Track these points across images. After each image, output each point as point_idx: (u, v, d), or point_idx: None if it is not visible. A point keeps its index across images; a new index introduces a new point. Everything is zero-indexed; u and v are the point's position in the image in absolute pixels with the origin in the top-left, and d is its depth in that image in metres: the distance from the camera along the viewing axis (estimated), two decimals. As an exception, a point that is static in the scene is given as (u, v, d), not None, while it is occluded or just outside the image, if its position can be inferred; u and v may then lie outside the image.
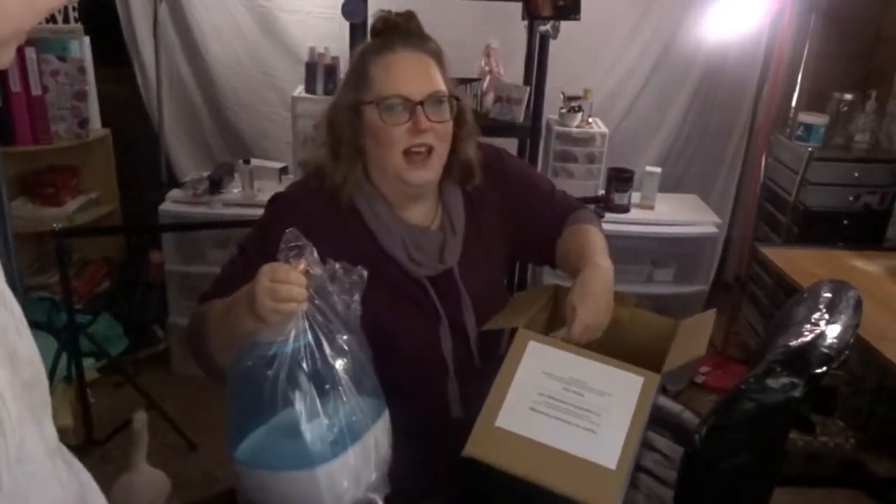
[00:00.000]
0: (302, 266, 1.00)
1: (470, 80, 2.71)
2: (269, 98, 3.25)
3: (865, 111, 2.85)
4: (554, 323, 1.38)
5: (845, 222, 2.84)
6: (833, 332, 1.21)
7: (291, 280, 0.99)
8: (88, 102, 2.89)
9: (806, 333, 1.21)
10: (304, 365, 0.97)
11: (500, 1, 2.66)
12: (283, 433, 0.98)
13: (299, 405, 0.96)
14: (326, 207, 1.29)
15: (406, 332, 1.30)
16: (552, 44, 2.59)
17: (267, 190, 2.76)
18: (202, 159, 3.32)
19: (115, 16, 3.10)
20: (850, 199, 2.83)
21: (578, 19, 2.51)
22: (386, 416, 1.07)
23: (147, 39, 3.10)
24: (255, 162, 2.93)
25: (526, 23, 2.67)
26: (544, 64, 2.60)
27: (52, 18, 2.83)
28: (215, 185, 2.83)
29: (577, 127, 2.94)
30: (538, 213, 1.46)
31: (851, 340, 1.22)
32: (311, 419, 0.97)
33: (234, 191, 2.87)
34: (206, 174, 2.92)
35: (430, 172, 1.31)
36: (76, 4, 2.95)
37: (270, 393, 0.97)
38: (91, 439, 2.45)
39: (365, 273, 1.04)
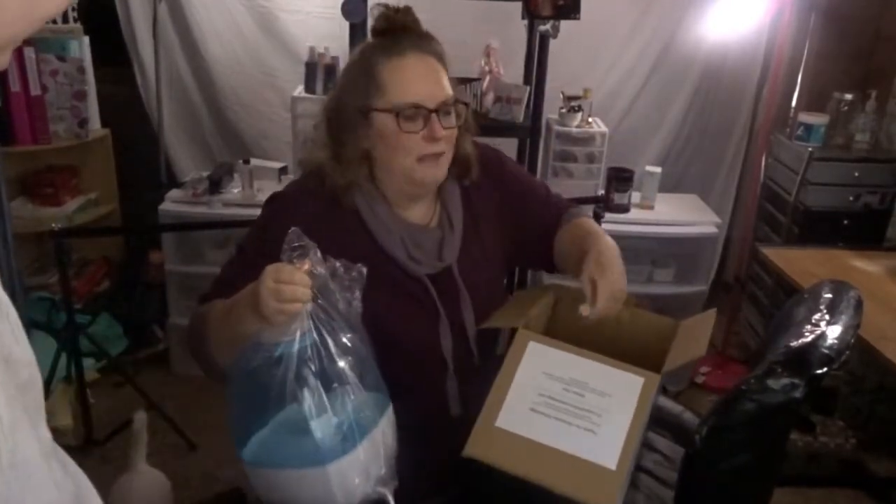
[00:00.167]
0: (306, 266, 1.01)
1: (470, 80, 2.71)
2: (269, 98, 3.25)
3: (865, 111, 2.85)
4: (554, 323, 1.38)
5: (845, 222, 2.84)
6: (833, 332, 1.21)
7: (296, 281, 0.99)
8: (88, 102, 2.89)
9: (806, 334, 1.21)
10: (311, 364, 0.98)
11: (500, 1, 2.65)
12: (292, 432, 1.00)
13: (308, 403, 0.97)
14: (325, 207, 1.29)
15: (406, 331, 1.30)
16: (552, 43, 2.59)
17: (267, 190, 2.75)
18: (202, 159, 3.32)
19: (115, 16, 3.10)
20: (851, 199, 2.83)
21: (578, 19, 2.51)
22: (390, 410, 1.09)
23: (147, 39, 3.10)
24: (254, 162, 2.93)
25: (526, 22, 2.67)
26: (544, 64, 2.60)
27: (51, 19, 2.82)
28: (215, 185, 2.83)
29: (577, 127, 2.94)
30: (536, 213, 1.47)
31: (852, 341, 1.22)
32: (320, 417, 0.98)
33: (234, 191, 2.87)
34: (205, 174, 2.91)
35: (439, 171, 1.32)
36: (76, 4, 2.95)
37: (278, 393, 0.98)
38: (91, 440, 2.45)
39: (364, 270, 1.04)
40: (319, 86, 2.86)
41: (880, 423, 2.65)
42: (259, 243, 1.28)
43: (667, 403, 1.54)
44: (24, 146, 2.75)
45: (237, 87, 3.25)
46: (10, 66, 2.55)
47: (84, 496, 0.67)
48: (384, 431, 1.06)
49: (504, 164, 1.49)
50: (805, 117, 2.89)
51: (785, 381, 1.12)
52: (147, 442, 2.02)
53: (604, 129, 2.95)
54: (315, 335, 1.00)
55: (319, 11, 3.07)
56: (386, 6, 1.30)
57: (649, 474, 1.39)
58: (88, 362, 2.63)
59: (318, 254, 1.02)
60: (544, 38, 2.57)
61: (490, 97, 2.77)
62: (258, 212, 1.36)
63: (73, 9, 2.93)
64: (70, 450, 0.68)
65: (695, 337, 1.27)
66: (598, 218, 2.53)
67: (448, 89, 1.29)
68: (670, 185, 3.32)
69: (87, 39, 2.90)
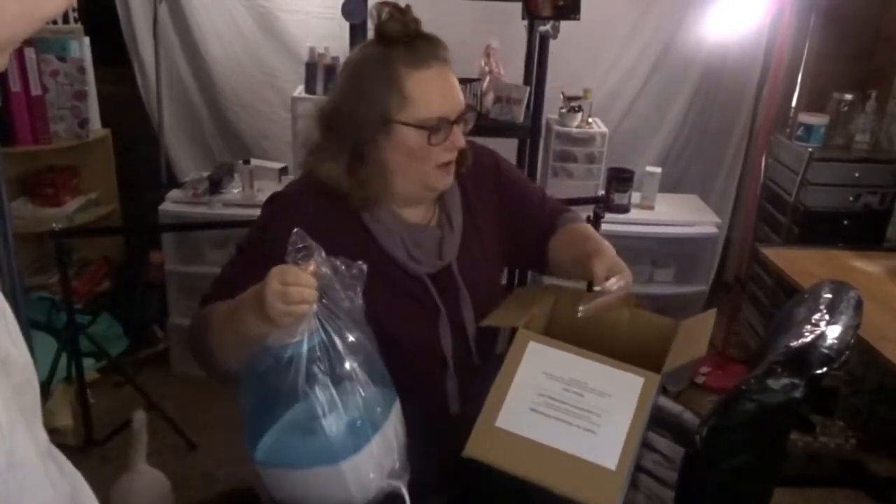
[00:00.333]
0: (311, 268, 1.01)
1: (470, 80, 2.71)
2: (269, 98, 3.25)
3: (865, 111, 2.85)
4: (554, 323, 1.38)
5: (845, 222, 2.84)
6: (833, 332, 1.21)
7: (302, 282, 0.99)
8: (88, 102, 2.89)
9: (806, 334, 1.21)
10: (321, 363, 0.99)
11: (500, 1, 2.65)
12: (305, 431, 1.01)
13: (320, 402, 0.98)
14: (324, 207, 1.29)
15: (406, 329, 1.30)
16: (552, 44, 2.59)
17: (267, 190, 2.75)
18: (202, 159, 3.32)
19: (115, 16, 3.10)
20: (850, 199, 2.83)
21: (578, 19, 2.51)
22: (398, 403, 1.10)
23: (147, 39, 3.10)
24: (254, 162, 2.93)
25: (526, 23, 2.67)
26: (544, 64, 2.60)
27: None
28: (215, 186, 2.83)
29: (577, 127, 2.94)
30: (533, 216, 1.49)
31: (852, 341, 1.22)
32: (332, 415, 0.99)
33: (234, 191, 2.87)
34: (205, 174, 2.92)
35: (452, 176, 1.34)
36: (76, 5, 2.95)
37: (290, 393, 0.99)
38: (91, 440, 2.45)
39: (365, 267, 1.05)
40: (319, 86, 2.86)
41: (880, 424, 2.65)
42: (259, 243, 1.28)
43: (667, 403, 1.54)
44: (24, 146, 2.75)
45: (237, 88, 3.25)
46: (10, 67, 2.56)
47: (80, 496, 0.67)
48: (394, 425, 1.07)
49: (500, 165, 1.50)
50: (805, 117, 2.89)
51: (785, 381, 1.12)
52: (147, 442, 2.02)
53: (604, 129, 2.95)
54: (322, 334, 1.01)
55: (319, 11, 3.07)
56: (390, 6, 1.27)
57: (649, 474, 1.39)
58: (88, 362, 2.63)
59: (323, 254, 1.02)
60: (544, 39, 2.58)
61: (490, 97, 2.77)
62: (258, 212, 1.36)
63: (74, 9, 2.93)
64: (70, 450, 0.69)
65: (695, 337, 1.27)
66: (598, 218, 2.53)
67: (463, 98, 1.30)
68: (670, 185, 3.32)
69: (87, 40, 2.90)
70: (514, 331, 1.25)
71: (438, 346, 1.33)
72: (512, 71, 2.86)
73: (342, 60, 2.75)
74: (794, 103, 3.08)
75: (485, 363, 1.40)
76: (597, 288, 1.25)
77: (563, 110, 2.94)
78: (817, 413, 2.63)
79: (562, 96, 2.95)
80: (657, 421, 1.43)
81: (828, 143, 2.87)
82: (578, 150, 2.94)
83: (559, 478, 1.08)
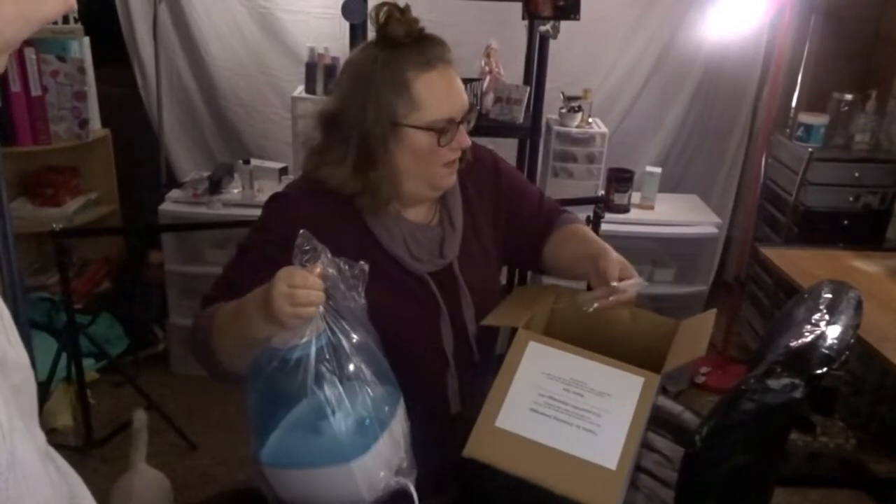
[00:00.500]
0: (318, 270, 1.01)
1: (470, 80, 2.71)
2: (269, 98, 3.25)
3: (865, 111, 2.85)
4: (554, 323, 1.38)
5: (845, 222, 2.84)
6: (833, 332, 1.21)
7: (309, 285, 1.00)
8: (88, 102, 2.89)
9: (806, 334, 1.21)
10: (328, 363, 1.00)
11: (500, 1, 2.65)
12: (313, 431, 1.01)
13: (330, 402, 0.99)
14: (325, 207, 1.29)
15: (408, 329, 1.30)
16: (552, 44, 2.59)
17: (267, 190, 2.76)
18: (202, 160, 3.32)
19: (115, 16, 3.10)
20: (851, 199, 2.83)
21: (578, 19, 2.51)
22: (402, 401, 1.11)
23: (147, 39, 3.10)
24: (254, 162, 2.93)
25: (526, 23, 2.67)
26: (544, 64, 2.60)
27: (51, 19, 2.82)
28: (215, 186, 2.83)
29: (577, 127, 2.94)
30: (532, 216, 1.49)
31: (852, 341, 1.22)
32: (341, 415, 0.99)
33: (234, 191, 2.87)
34: (205, 174, 2.92)
35: (455, 174, 1.34)
36: (76, 8, 2.95)
37: (298, 394, 1.00)
38: (91, 440, 2.45)
39: (366, 267, 1.05)
40: (319, 86, 2.86)
41: (881, 424, 2.65)
42: (261, 244, 1.28)
43: (667, 403, 1.54)
44: (24, 146, 2.75)
45: (237, 88, 3.25)
46: (10, 67, 2.56)
47: (78, 496, 0.68)
48: (401, 423, 1.08)
49: (500, 166, 1.50)
50: (805, 118, 2.89)
51: (785, 381, 1.12)
52: (147, 442, 2.02)
53: (604, 129, 2.95)
54: (329, 335, 1.02)
55: (319, 12, 3.07)
56: (389, 6, 1.26)
57: (649, 474, 1.39)
58: (88, 362, 2.63)
59: (329, 256, 1.03)
60: (544, 39, 2.57)
61: (490, 97, 2.77)
62: (258, 212, 1.36)
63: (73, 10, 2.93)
64: (70, 450, 0.69)
65: (695, 337, 1.27)
66: (598, 218, 2.53)
67: (466, 98, 1.30)
68: (670, 185, 3.32)
69: (87, 40, 2.90)
70: (514, 331, 1.25)
71: (440, 345, 1.33)
72: (512, 71, 2.85)
73: (342, 60, 2.77)
74: (794, 103, 3.08)
75: (485, 362, 1.41)
76: (615, 284, 1.24)
77: (563, 110, 2.94)
78: (817, 413, 2.63)
79: (562, 96, 2.95)
80: (657, 421, 1.43)
81: (828, 143, 2.87)
82: (578, 150, 2.94)
83: (559, 478, 1.08)
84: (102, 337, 2.77)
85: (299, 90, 2.90)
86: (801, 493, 2.41)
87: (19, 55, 2.63)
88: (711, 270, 3.19)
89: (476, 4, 2.75)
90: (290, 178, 2.88)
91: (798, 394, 1.11)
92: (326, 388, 0.99)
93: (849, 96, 2.87)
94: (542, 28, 2.56)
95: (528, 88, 2.70)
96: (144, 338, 2.98)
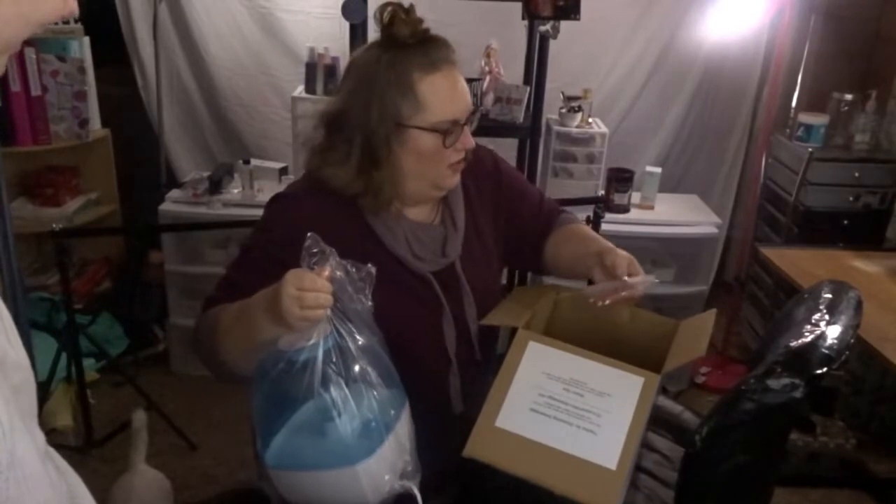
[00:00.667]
0: (326, 272, 1.01)
1: (470, 81, 2.69)
2: (269, 98, 3.25)
3: (865, 111, 2.85)
4: (554, 323, 1.38)
5: (845, 222, 2.84)
6: (833, 332, 1.21)
7: (318, 287, 1.00)
8: (88, 102, 2.89)
9: (806, 334, 1.21)
10: (335, 365, 1.00)
11: (500, 1, 2.65)
12: (318, 433, 1.01)
13: (336, 404, 0.99)
14: (328, 207, 1.29)
15: (411, 328, 1.31)
16: (552, 44, 2.59)
17: (267, 190, 2.76)
18: (202, 160, 3.32)
19: (115, 16, 3.10)
20: (851, 199, 2.83)
21: (578, 19, 2.51)
22: (407, 403, 1.11)
23: (147, 39, 3.10)
24: (254, 162, 2.93)
25: (526, 23, 2.67)
26: (544, 64, 2.60)
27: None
28: (215, 186, 2.83)
29: (577, 127, 2.94)
30: (531, 216, 1.49)
31: (852, 341, 1.22)
32: (347, 417, 0.99)
33: (234, 191, 2.87)
34: (205, 174, 2.92)
35: (459, 175, 1.35)
36: (77, 13, 2.95)
37: (304, 397, 0.99)
38: (91, 440, 2.45)
39: (374, 270, 1.06)
40: (319, 86, 2.86)
41: (881, 424, 2.65)
42: (263, 244, 1.28)
43: (667, 403, 1.54)
44: (24, 146, 2.75)
45: (237, 88, 3.25)
46: (10, 67, 2.56)
47: (77, 495, 0.68)
48: (406, 426, 1.08)
49: (500, 166, 1.51)
50: (805, 118, 2.89)
51: (785, 381, 1.12)
52: (147, 442, 2.02)
53: (604, 129, 2.95)
54: (336, 337, 1.02)
55: (319, 11, 3.07)
56: (394, 7, 1.26)
57: (649, 474, 1.39)
58: (88, 362, 2.63)
59: (337, 258, 1.03)
60: (544, 39, 2.57)
61: (490, 97, 2.77)
62: (258, 212, 1.36)
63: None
64: (70, 450, 0.69)
65: (695, 337, 1.27)
66: (598, 218, 2.53)
67: (470, 99, 1.30)
68: (670, 185, 3.32)
69: (87, 40, 2.90)
70: (514, 330, 1.25)
71: (442, 344, 1.33)
72: (512, 71, 2.85)
73: (342, 60, 2.79)
74: (794, 103, 3.08)
75: (487, 362, 1.41)
76: (625, 279, 1.25)
77: (563, 110, 2.94)
78: (817, 413, 2.63)
79: (562, 96, 2.95)
80: (657, 421, 1.43)
81: (828, 143, 2.88)
82: (578, 150, 2.94)
83: (559, 478, 1.08)
84: (102, 337, 2.77)
85: (299, 90, 2.90)
86: (801, 493, 2.41)
87: (19, 55, 2.63)
88: (711, 270, 3.19)
89: (476, 4, 2.75)
90: (290, 178, 2.88)
91: (798, 394, 1.11)
92: (333, 390, 0.99)
93: (849, 96, 2.87)
94: (542, 28, 2.56)
95: (528, 88, 2.70)
96: (144, 338, 2.98)
